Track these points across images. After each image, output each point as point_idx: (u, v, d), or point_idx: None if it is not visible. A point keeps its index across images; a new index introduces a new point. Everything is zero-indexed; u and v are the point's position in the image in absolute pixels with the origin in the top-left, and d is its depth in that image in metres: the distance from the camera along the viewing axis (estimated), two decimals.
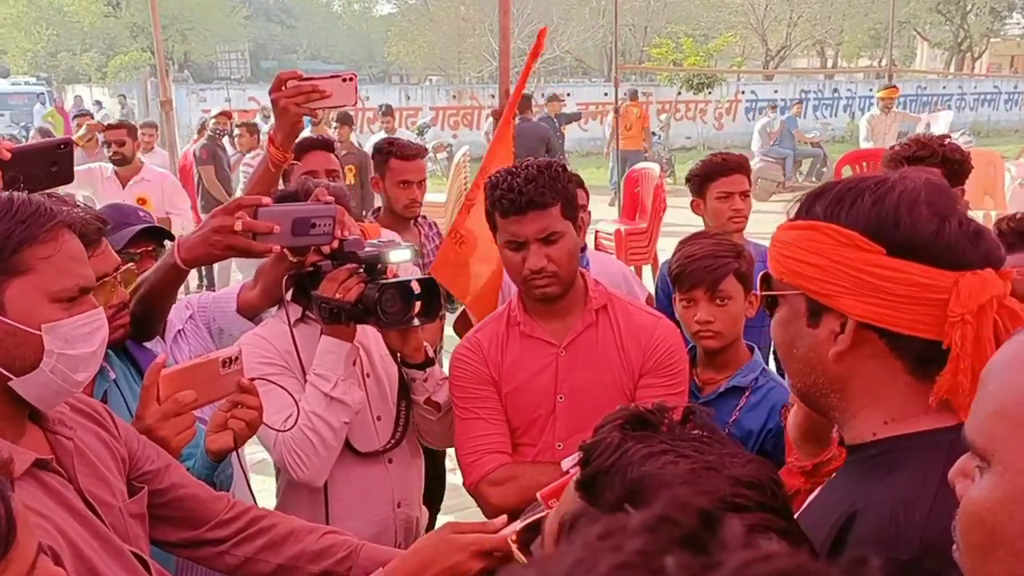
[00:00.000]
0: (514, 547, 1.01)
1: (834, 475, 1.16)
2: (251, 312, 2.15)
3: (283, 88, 2.08)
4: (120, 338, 1.82)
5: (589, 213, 3.47)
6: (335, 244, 1.88)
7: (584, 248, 3.39)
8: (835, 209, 1.02)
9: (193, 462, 1.71)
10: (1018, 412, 0.71)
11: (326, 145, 3.04)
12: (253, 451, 2.59)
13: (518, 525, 1.11)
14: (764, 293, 1.11)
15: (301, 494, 2.03)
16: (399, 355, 2.06)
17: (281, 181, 2.52)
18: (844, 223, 1.00)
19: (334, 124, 8.22)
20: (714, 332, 2.12)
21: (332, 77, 2.12)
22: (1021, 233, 1.62)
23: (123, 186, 5.70)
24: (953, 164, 2.71)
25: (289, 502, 2.07)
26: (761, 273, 1.12)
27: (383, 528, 2.07)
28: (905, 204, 0.99)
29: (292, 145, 2.20)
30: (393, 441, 2.09)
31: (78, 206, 1.40)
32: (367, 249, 1.91)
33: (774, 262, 1.08)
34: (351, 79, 2.12)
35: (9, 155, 1.65)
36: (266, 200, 1.79)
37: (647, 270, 7.57)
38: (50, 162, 1.77)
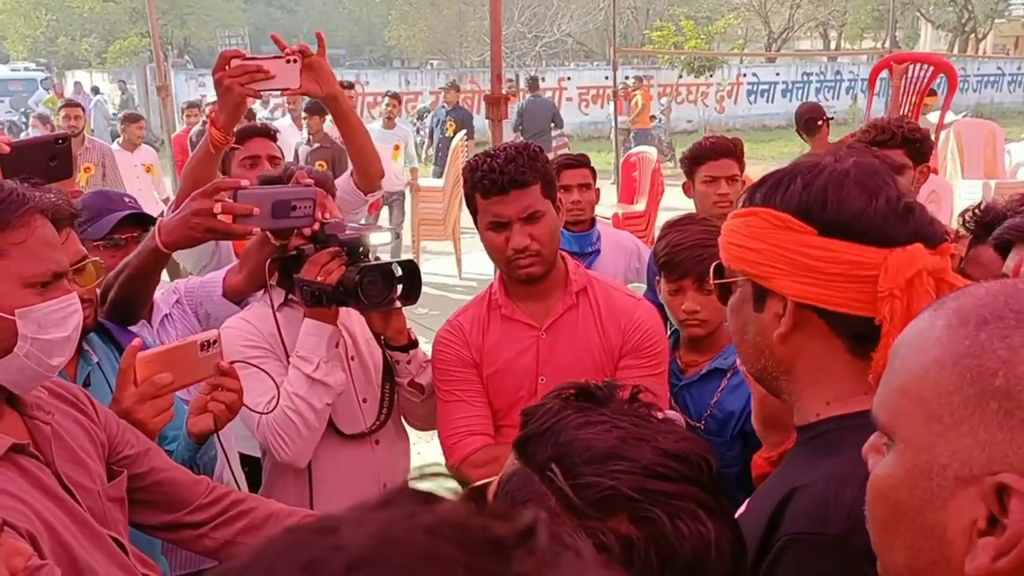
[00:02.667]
0: None
1: (785, 457, 1.17)
2: (237, 296, 2.16)
3: (227, 68, 2.06)
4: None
5: (598, 191, 3.48)
6: (316, 226, 1.89)
7: (594, 222, 3.41)
8: (771, 194, 1.05)
9: (177, 445, 1.73)
10: (918, 390, 0.71)
11: (267, 132, 3.01)
12: None
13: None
14: (716, 282, 1.13)
15: (286, 475, 2.05)
16: (382, 338, 2.06)
17: (219, 172, 2.48)
18: (778, 207, 1.03)
19: (303, 115, 7.51)
20: (700, 320, 2.12)
21: (276, 58, 2.10)
22: (985, 224, 1.61)
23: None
24: (915, 143, 2.73)
25: (275, 483, 2.09)
26: (715, 263, 1.15)
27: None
28: (832, 185, 1.02)
29: (234, 127, 2.18)
30: (378, 423, 2.11)
31: (50, 191, 1.41)
32: (348, 232, 1.92)
33: (723, 250, 1.11)
34: (295, 60, 2.10)
35: (8, 149, 1.65)
36: (245, 182, 1.79)
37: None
38: (48, 156, 1.77)
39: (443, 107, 10.95)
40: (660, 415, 0.84)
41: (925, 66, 5.83)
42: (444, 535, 0.39)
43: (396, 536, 0.39)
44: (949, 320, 0.72)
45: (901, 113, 5.32)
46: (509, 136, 8.93)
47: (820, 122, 5.34)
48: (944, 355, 0.70)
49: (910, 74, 5.79)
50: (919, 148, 2.76)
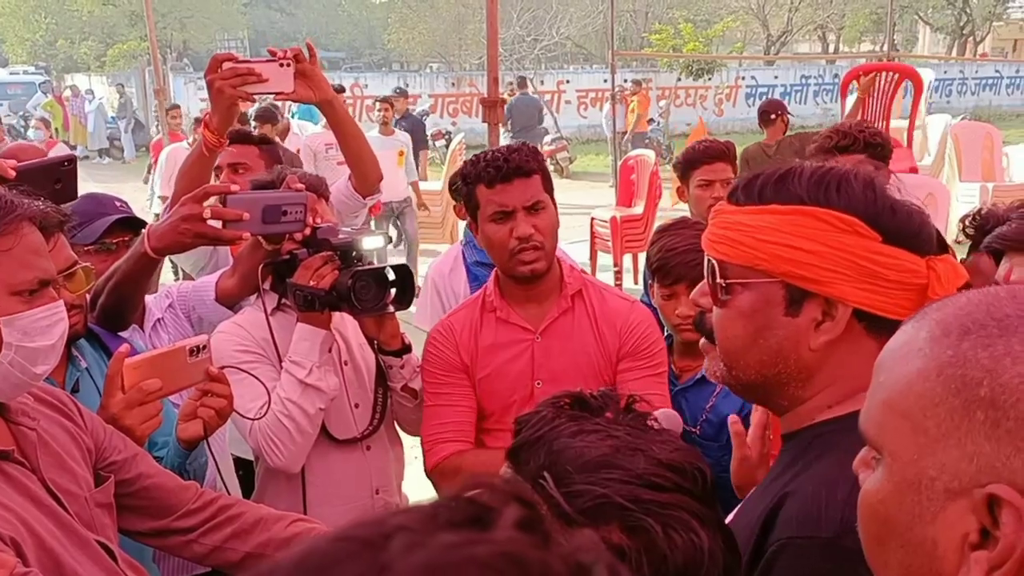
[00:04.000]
0: None
1: (772, 464, 1.15)
2: (230, 301, 2.14)
3: (219, 70, 2.06)
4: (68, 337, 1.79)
5: None
6: (307, 231, 1.88)
7: None
8: (821, 193, 0.99)
9: (166, 451, 1.71)
10: (904, 404, 0.70)
11: (263, 139, 2.98)
12: None
13: None
14: (730, 282, 1.03)
15: (279, 481, 2.03)
16: (375, 342, 2.05)
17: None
18: (840, 208, 0.98)
19: (253, 123, 6.55)
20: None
21: (269, 61, 2.09)
22: (985, 232, 1.60)
23: None
24: (876, 148, 2.76)
25: (267, 488, 2.07)
26: (716, 262, 1.06)
27: (362, 514, 2.07)
28: (890, 193, 1.00)
29: (227, 129, 2.17)
30: (371, 428, 2.09)
31: (39, 199, 1.39)
32: (341, 236, 1.90)
33: (737, 247, 1.02)
34: (288, 65, 2.09)
35: (13, 174, 1.64)
36: (235, 187, 1.78)
37: (643, 257, 7.54)
38: (54, 180, 1.75)
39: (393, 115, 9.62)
40: (658, 422, 0.83)
41: (892, 74, 6.02)
42: (499, 570, 0.37)
43: (449, 565, 0.37)
44: (932, 331, 0.70)
45: (868, 119, 5.44)
46: (504, 138, 8.91)
47: (774, 115, 6.14)
48: (928, 366, 0.69)
49: (877, 83, 6.03)
50: (879, 152, 2.79)
